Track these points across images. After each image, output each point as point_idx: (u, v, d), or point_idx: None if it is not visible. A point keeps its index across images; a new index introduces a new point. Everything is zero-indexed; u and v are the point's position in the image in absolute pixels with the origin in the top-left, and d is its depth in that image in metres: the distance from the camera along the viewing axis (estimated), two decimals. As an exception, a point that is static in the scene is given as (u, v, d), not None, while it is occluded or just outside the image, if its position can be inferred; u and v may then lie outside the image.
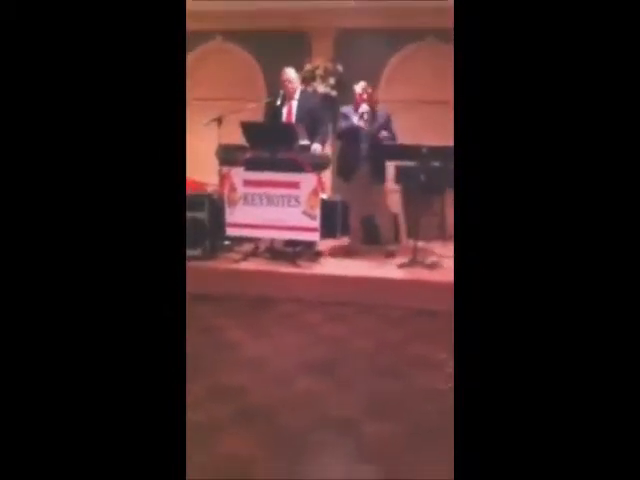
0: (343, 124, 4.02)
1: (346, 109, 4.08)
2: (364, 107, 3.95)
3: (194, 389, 2.28)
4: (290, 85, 4.12)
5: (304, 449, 1.89)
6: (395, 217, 4.53)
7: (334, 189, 5.07)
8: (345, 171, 4.15)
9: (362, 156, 4.02)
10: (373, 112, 4.00)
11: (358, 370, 2.57)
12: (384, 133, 3.95)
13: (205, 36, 5.72)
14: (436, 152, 3.76)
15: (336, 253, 4.15)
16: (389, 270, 3.76)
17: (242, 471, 1.75)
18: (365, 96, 3.98)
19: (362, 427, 2.03)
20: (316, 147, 3.93)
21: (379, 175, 4.06)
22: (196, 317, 3.21)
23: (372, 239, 4.26)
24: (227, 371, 2.54)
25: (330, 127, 4.37)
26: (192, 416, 2.04)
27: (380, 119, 4.04)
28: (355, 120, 3.95)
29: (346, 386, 2.39)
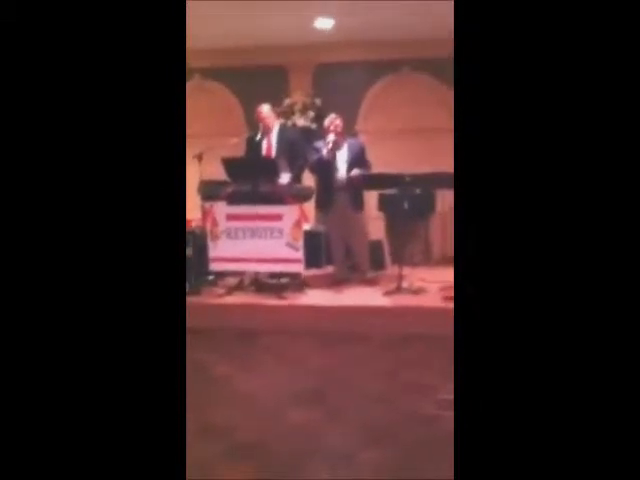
0: (314, 157, 4.07)
1: (318, 143, 4.14)
2: (330, 137, 4.01)
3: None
4: (266, 121, 4.19)
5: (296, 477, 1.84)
6: (380, 244, 4.55)
7: (317, 219, 5.09)
8: (322, 202, 4.19)
9: (337, 187, 4.05)
10: (341, 144, 4.05)
11: (348, 399, 2.53)
12: (355, 171, 3.98)
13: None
14: (418, 179, 3.81)
15: (321, 283, 4.14)
16: (375, 298, 3.75)
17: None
18: (332, 127, 4.04)
19: (356, 456, 1.99)
20: (285, 177, 3.94)
21: (356, 204, 4.09)
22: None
23: (355, 268, 4.27)
24: (216, 407, 2.49)
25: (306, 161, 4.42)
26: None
27: (354, 149, 4.09)
28: (324, 152, 4.00)
29: (337, 416, 2.35)
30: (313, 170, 4.21)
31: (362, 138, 4.45)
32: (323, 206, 4.20)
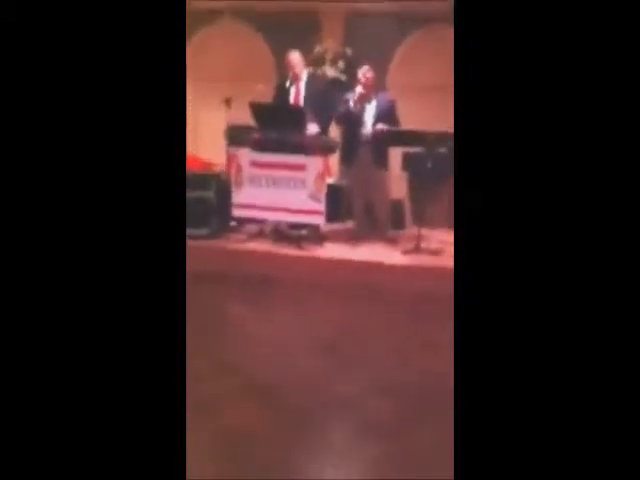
0: (342, 108, 4.01)
1: (348, 94, 4.07)
2: (358, 89, 3.93)
3: (197, 365, 2.31)
4: (295, 69, 4.11)
5: (307, 423, 1.92)
6: (401, 203, 4.53)
7: (341, 174, 5.07)
8: (346, 156, 4.16)
9: (362, 141, 4.00)
10: (370, 97, 3.97)
11: (361, 351, 2.61)
12: (380, 125, 3.92)
13: (214, 15, 5.68)
14: (444, 138, 3.75)
15: (340, 238, 4.17)
16: (393, 255, 3.78)
17: (245, 444, 1.79)
18: (363, 80, 3.96)
19: (363, 404, 2.06)
20: (312, 127, 3.90)
21: (381, 161, 4.04)
22: (201, 295, 3.24)
23: (375, 225, 4.28)
24: (231, 348, 2.58)
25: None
26: (194, 391, 2.09)
27: (382, 104, 4.02)
28: (351, 104, 3.94)
29: (348, 365, 2.42)
30: (339, 122, 4.16)
31: (391, 93, 4.35)
32: (347, 160, 4.17)
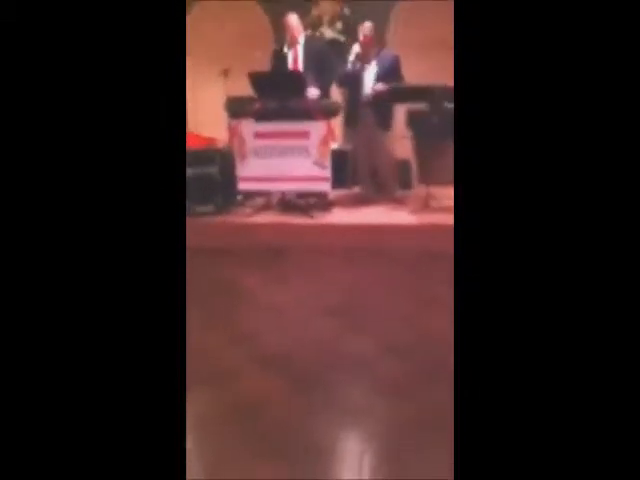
0: (342, 70, 3.93)
1: (350, 55, 3.97)
2: (355, 48, 3.83)
3: (212, 337, 2.36)
4: (292, 32, 4.03)
5: (321, 386, 1.95)
6: (407, 163, 4.46)
7: (345, 137, 5.00)
8: (349, 119, 4.09)
9: (364, 102, 3.92)
10: (370, 55, 3.87)
11: (372, 313, 2.62)
12: (379, 84, 3.82)
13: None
14: (448, 92, 3.65)
15: (348, 202, 4.14)
16: (401, 216, 3.75)
17: (262, 411, 1.82)
18: (362, 39, 3.85)
19: (376, 365, 2.08)
20: (313, 92, 3.84)
21: (383, 122, 3.96)
22: (211, 270, 3.28)
23: (381, 187, 4.23)
24: (245, 319, 2.62)
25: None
26: (212, 361, 2.14)
27: (385, 62, 3.91)
28: (350, 65, 3.86)
29: (360, 328, 2.44)
30: (341, 84, 4.08)
31: (391, 50, 4.22)
32: (350, 123, 4.11)
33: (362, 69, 3.87)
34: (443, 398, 1.82)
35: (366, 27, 3.92)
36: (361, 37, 3.87)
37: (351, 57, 3.85)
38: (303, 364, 2.12)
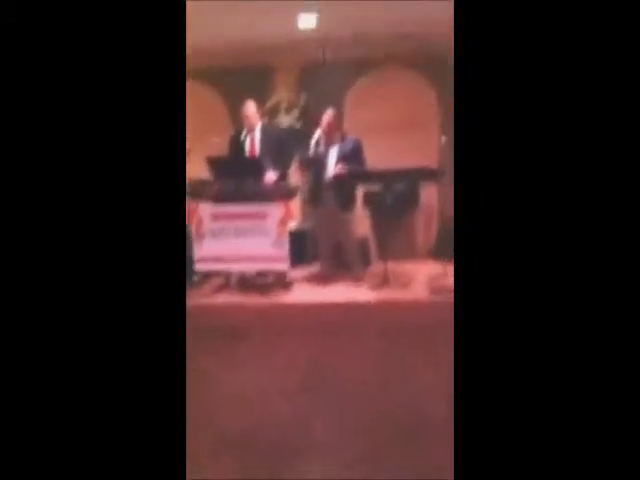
0: (304, 153, 4.09)
1: (312, 139, 4.14)
2: (317, 134, 4.03)
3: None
4: (250, 119, 4.19)
5: (284, 468, 1.86)
6: (365, 241, 4.56)
7: (303, 217, 5.11)
8: (311, 199, 4.21)
9: (326, 184, 4.06)
10: (333, 139, 4.07)
11: (338, 394, 2.55)
12: (338, 167, 4.00)
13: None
14: (401, 175, 3.83)
15: (306, 281, 4.15)
16: (361, 293, 3.77)
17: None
18: (325, 124, 4.06)
19: (339, 445, 2.01)
20: (270, 175, 3.95)
21: (345, 203, 4.09)
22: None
23: (342, 265, 4.28)
24: (204, 403, 2.51)
25: (295, 157, 4.43)
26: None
27: (347, 146, 4.10)
28: (312, 149, 4.03)
29: (326, 409, 2.37)
30: (303, 166, 4.22)
31: (348, 135, 4.44)
32: (312, 203, 4.22)
33: (325, 153, 4.03)
34: (412, 473, 1.76)
35: (329, 114, 4.11)
36: (324, 123, 4.06)
37: (313, 141, 4.00)
38: (264, 447, 2.03)
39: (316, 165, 4.08)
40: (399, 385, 2.57)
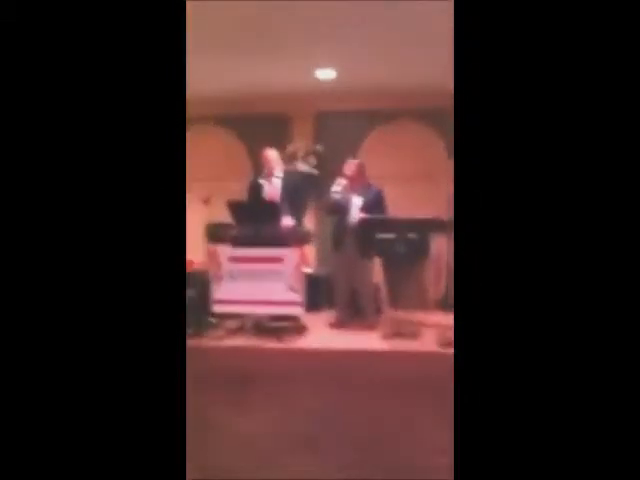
0: (328, 200, 4.26)
1: (336, 186, 4.29)
2: (339, 181, 4.19)
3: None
4: (270, 165, 4.36)
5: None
6: (377, 288, 4.65)
7: (319, 262, 5.23)
8: (333, 244, 4.34)
9: (349, 230, 4.19)
10: (356, 188, 4.22)
11: (348, 445, 2.58)
12: (362, 214, 4.14)
13: (192, 121, 6.06)
14: (412, 224, 3.96)
15: (321, 327, 4.22)
16: (373, 341, 3.83)
17: None
18: (349, 173, 4.23)
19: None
20: (287, 220, 4.08)
21: (367, 249, 4.17)
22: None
23: (356, 312, 4.36)
24: (214, 451, 2.53)
25: (311, 204, 4.58)
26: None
27: (369, 195, 4.24)
28: (337, 196, 4.19)
29: (336, 462, 2.40)
30: (327, 212, 4.36)
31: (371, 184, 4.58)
32: (333, 248, 4.34)
33: (348, 200, 4.18)
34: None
35: (352, 163, 4.28)
36: (348, 172, 4.22)
37: (337, 188, 4.16)
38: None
39: (339, 212, 4.23)
40: (407, 440, 2.60)
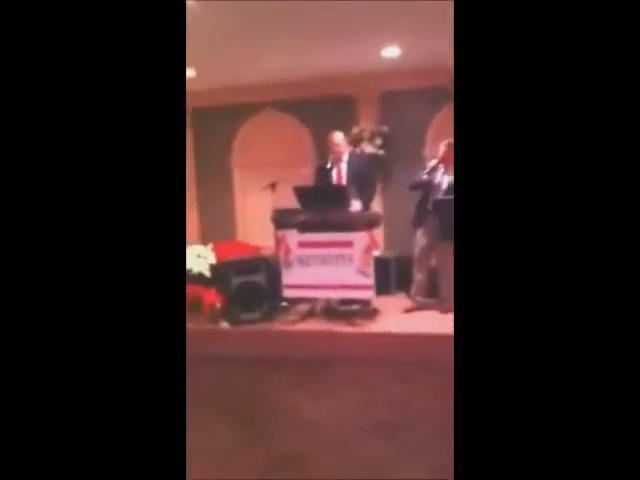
0: (417, 178, 4.17)
1: (427, 166, 4.20)
2: (432, 163, 4.09)
3: (255, 456, 2.28)
4: (338, 148, 4.27)
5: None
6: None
7: (387, 246, 5.11)
8: (415, 222, 4.24)
9: (429, 210, 4.08)
10: (445, 170, 4.10)
11: (424, 433, 2.49)
12: (440, 195, 4.01)
13: (256, 107, 6.10)
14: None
15: (392, 310, 4.14)
16: (449, 326, 3.68)
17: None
18: (441, 154, 4.10)
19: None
20: (355, 204, 3.99)
21: (444, 231, 3.99)
22: (256, 380, 3.25)
23: (434, 295, 4.23)
24: (287, 436, 2.52)
25: (379, 186, 4.47)
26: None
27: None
28: (425, 176, 4.10)
29: (412, 451, 2.31)
30: (413, 188, 4.25)
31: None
32: (413, 227, 4.25)
33: (433, 179, 4.08)
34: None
35: (445, 144, 4.13)
36: (441, 152, 4.10)
37: (428, 169, 4.09)
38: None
39: (422, 189, 4.13)
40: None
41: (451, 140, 4.19)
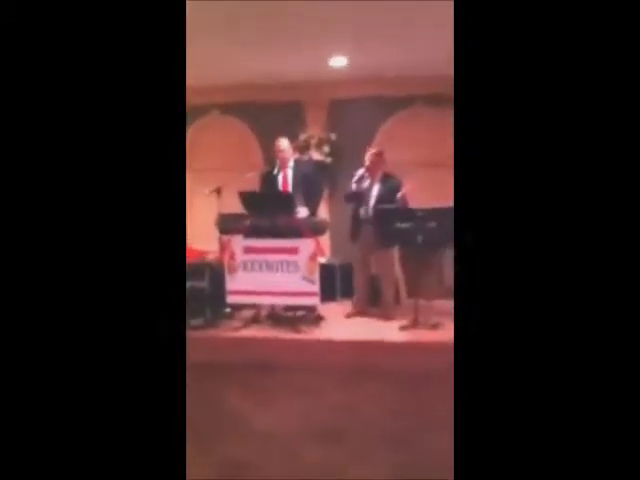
0: (349, 188, 4.22)
1: (358, 175, 4.24)
2: (359, 172, 4.12)
3: (199, 465, 2.22)
4: (283, 154, 4.27)
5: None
6: (396, 278, 4.56)
7: (333, 252, 5.14)
8: (350, 233, 4.29)
9: (367, 219, 4.13)
10: (375, 177, 4.15)
11: (368, 438, 2.51)
12: (380, 204, 4.07)
13: (203, 110, 5.99)
14: (431, 213, 3.86)
15: (336, 316, 4.16)
16: (391, 332, 3.75)
17: None
18: (368, 162, 4.17)
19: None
20: (301, 211, 4.01)
21: (387, 238, 4.10)
22: (199, 387, 3.16)
23: (375, 302, 4.29)
24: (233, 444, 2.48)
25: (325, 193, 4.50)
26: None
27: (386, 185, 4.18)
28: (354, 185, 4.15)
29: (357, 455, 2.33)
30: (346, 200, 4.30)
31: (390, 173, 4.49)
32: (350, 237, 4.29)
33: (367, 189, 4.12)
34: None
35: (371, 153, 4.21)
36: (367, 162, 4.16)
37: (356, 177, 4.13)
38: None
39: (357, 201, 4.17)
40: (427, 433, 2.53)
41: (377, 149, 4.30)
